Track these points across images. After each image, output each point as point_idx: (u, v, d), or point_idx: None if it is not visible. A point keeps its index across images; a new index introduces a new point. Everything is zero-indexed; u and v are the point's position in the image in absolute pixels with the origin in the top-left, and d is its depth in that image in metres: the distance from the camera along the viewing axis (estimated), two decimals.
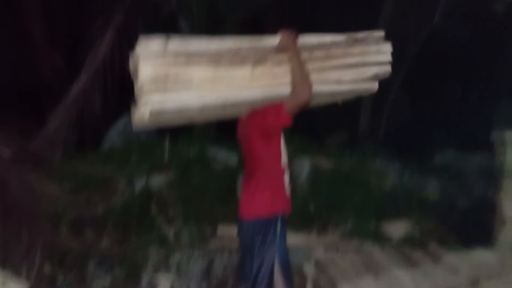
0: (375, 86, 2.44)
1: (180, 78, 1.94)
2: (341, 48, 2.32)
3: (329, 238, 4.43)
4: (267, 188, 2.25)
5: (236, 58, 2.07)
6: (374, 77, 2.40)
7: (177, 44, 1.94)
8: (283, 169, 2.30)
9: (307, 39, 2.24)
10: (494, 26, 6.39)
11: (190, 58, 1.95)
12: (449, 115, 7.58)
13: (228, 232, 4.40)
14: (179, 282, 3.89)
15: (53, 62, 6.89)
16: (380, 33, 2.42)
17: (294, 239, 4.31)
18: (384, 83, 2.53)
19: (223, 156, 5.50)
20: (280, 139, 2.28)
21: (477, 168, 6.13)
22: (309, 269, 3.86)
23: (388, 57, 2.40)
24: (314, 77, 2.19)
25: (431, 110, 7.71)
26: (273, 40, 2.12)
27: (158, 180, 4.91)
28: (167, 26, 6.54)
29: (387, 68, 2.41)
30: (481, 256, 3.72)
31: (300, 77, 2.10)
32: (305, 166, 5.16)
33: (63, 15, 6.95)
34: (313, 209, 4.74)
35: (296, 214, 4.57)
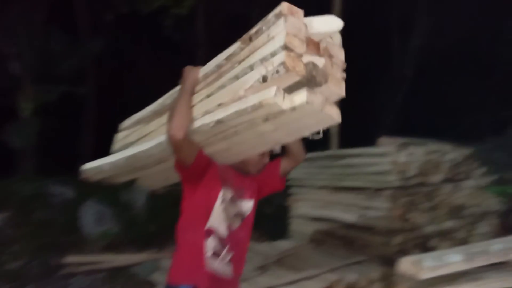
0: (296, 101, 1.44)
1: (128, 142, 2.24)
2: (234, 59, 1.65)
3: (170, 251, 5.21)
4: (179, 251, 1.82)
5: (161, 112, 2.02)
6: (264, 80, 1.47)
7: (138, 114, 2.22)
8: (203, 233, 1.77)
9: (207, 67, 1.76)
10: None
11: (140, 121, 2.22)
12: None
13: (76, 259, 4.75)
14: None
15: None
16: (281, 7, 1.49)
17: (139, 257, 4.96)
18: None
19: (60, 191, 5.74)
20: (208, 193, 1.79)
21: None
22: (158, 277, 4.55)
23: (281, 40, 1.45)
24: (200, 108, 1.70)
25: None
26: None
27: None
28: None
29: (280, 58, 1.43)
30: (282, 244, 5.10)
31: (170, 116, 1.66)
32: (142, 194, 5.85)
33: None
34: (153, 229, 5.49)
35: (138, 236, 5.27)
